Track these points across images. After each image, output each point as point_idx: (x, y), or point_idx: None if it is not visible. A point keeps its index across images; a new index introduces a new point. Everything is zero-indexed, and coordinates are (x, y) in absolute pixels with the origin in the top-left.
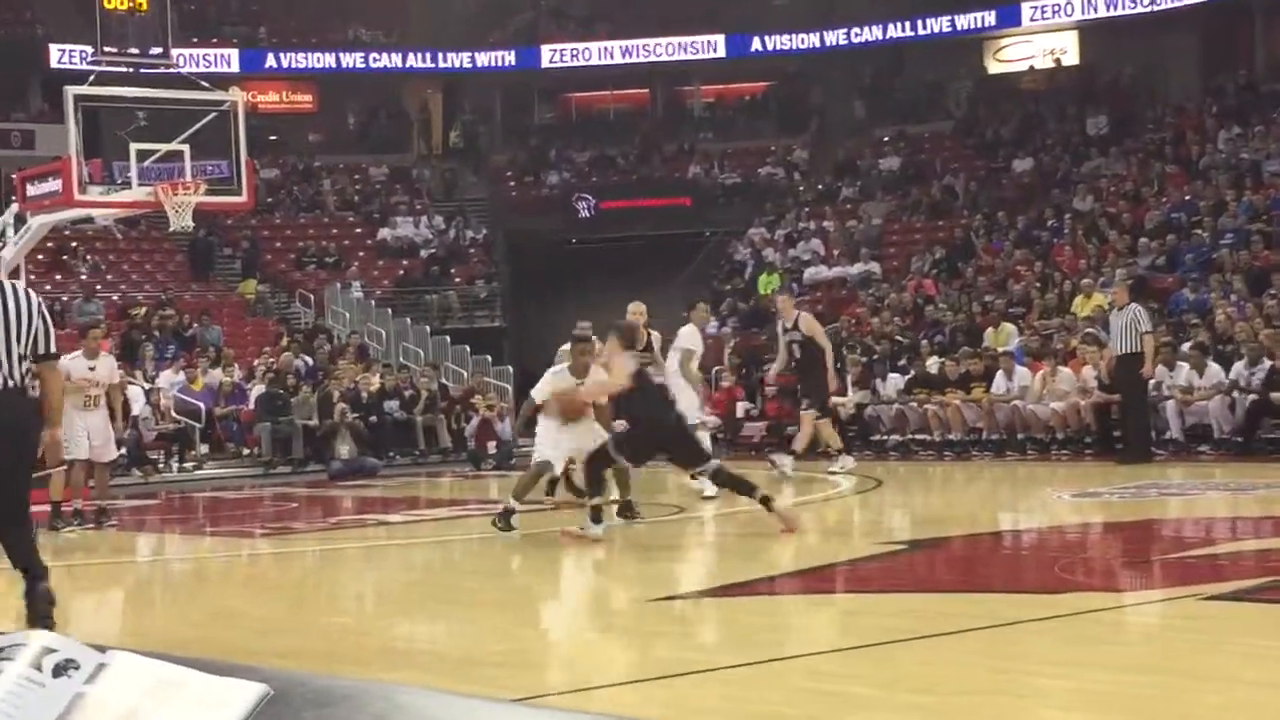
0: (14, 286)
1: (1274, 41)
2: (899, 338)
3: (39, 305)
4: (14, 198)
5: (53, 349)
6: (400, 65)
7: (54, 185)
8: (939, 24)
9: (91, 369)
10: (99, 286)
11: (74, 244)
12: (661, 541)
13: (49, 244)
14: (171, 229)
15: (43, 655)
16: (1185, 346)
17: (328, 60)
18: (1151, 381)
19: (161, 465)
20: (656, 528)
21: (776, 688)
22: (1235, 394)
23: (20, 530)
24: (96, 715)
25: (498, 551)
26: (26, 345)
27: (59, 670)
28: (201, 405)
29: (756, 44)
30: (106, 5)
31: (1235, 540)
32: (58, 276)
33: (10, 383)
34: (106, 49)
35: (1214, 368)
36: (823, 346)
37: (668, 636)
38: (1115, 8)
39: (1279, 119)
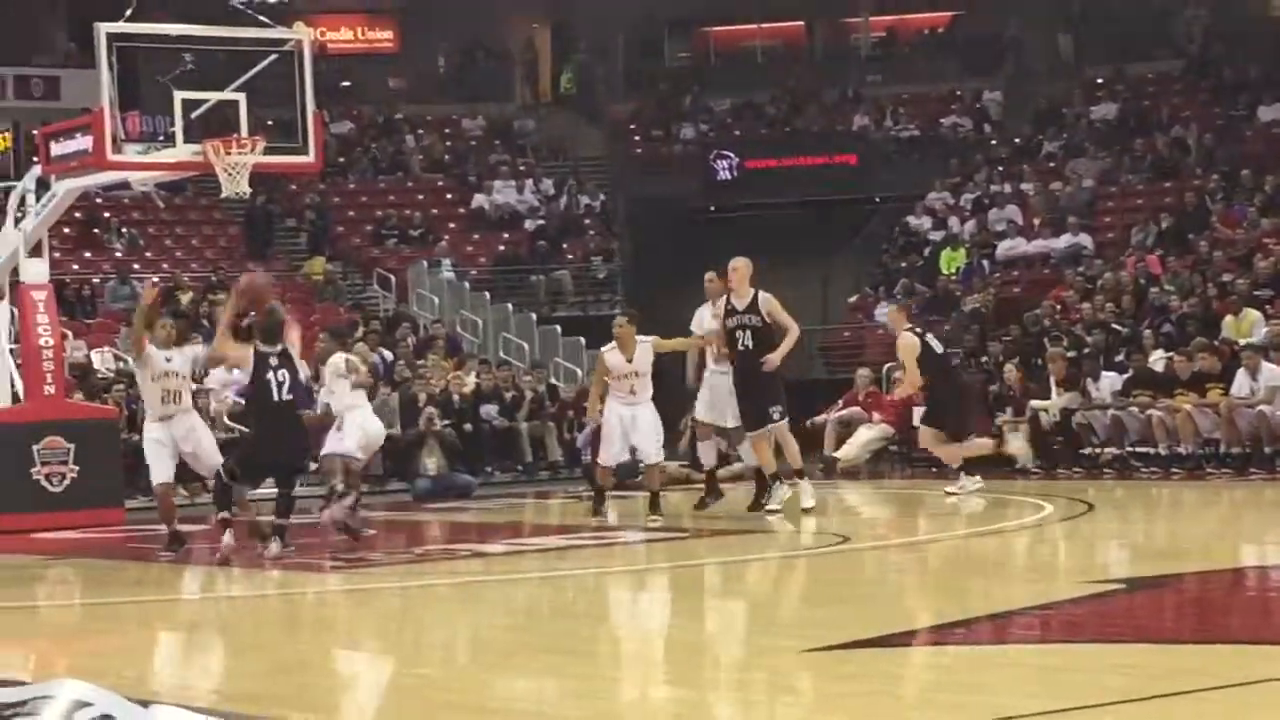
0: None
1: None
2: (1116, 327)
3: None
4: (36, 158)
5: None
6: None
7: (83, 143)
8: None
9: (169, 360)
10: (137, 265)
11: (107, 214)
12: (823, 576)
13: (77, 214)
14: (224, 195)
15: (74, 710)
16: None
17: None
18: None
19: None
20: (816, 559)
21: None
22: None
23: None
24: None
25: (621, 588)
26: None
27: None
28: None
29: None
30: None
31: None
32: (88, 254)
33: None
34: None
35: None
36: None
37: (827, 697)
38: None
39: None
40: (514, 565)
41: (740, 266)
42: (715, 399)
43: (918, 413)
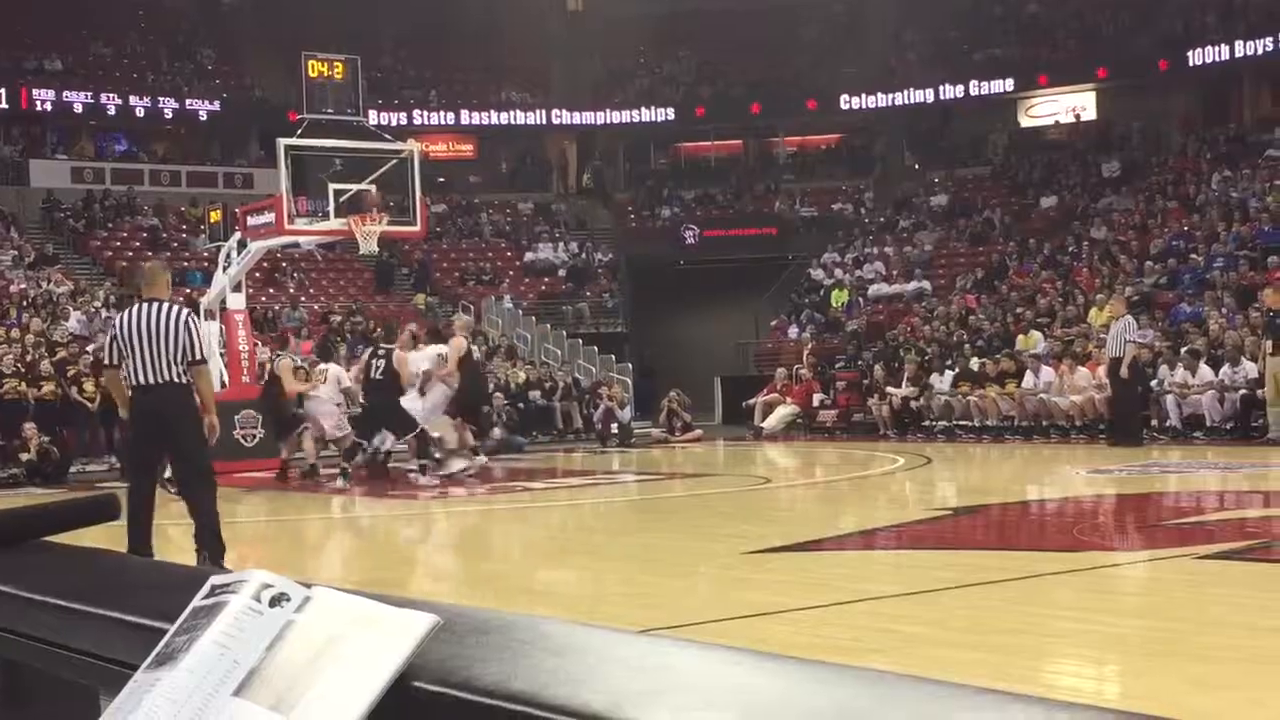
0: (166, 306)
1: (1259, 100)
2: (946, 342)
3: (186, 318)
4: (237, 227)
5: (198, 355)
6: (544, 122)
7: (268, 217)
8: (980, 87)
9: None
10: (302, 298)
11: (284, 264)
12: (752, 505)
13: (264, 264)
14: (361, 253)
15: (261, 589)
16: (1183, 351)
17: (485, 117)
18: (1154, 380)
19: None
20: (748, 494)
21: (842, 625)
22: (1224, 390)
23: (196, 497)
24: (304, 640)
25: (621, 513)
26: (175, 352)
27: (274, 601)
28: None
29: (831, 103)
30: (310, 74)
31: (1223, 510)
32: (271, 290)
33: (161, 379)
34: (310, 110)
35: (1205, 369)
36: None
37: (756, 583)
38: (1127, 74)
39: (1263, 164)
40: (550, 496)
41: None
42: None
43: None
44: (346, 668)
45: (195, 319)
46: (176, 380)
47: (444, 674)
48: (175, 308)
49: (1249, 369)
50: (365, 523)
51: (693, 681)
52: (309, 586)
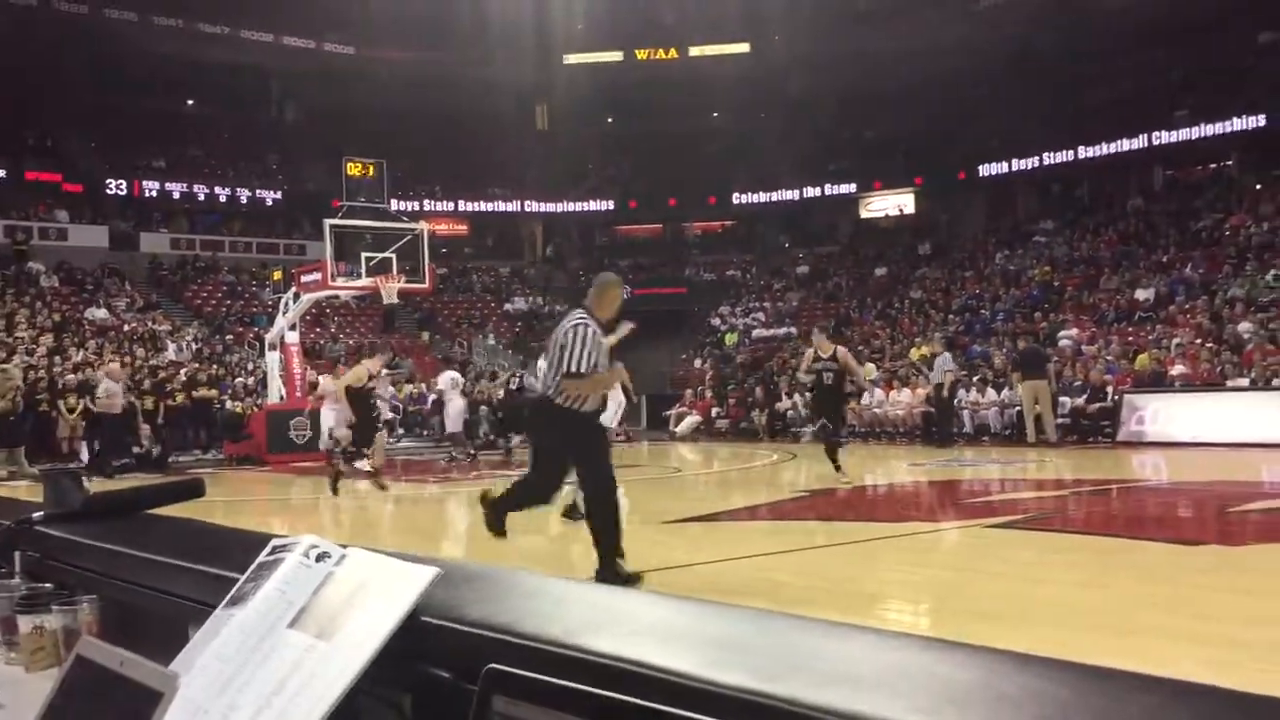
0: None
1: (1029, 201)
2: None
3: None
4: (294, 284)
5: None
6: (519, 209)
7: (316, 276)
8: (832, 189)
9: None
10: (340, 335)
11: (327, 310)
12: (669, 487)
13: (313, 310)
14: (385, 302)
15: (309, 548)
16: (975, 378)
17: (476, 206)
18: (956, 399)
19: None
20: (664, 479)
21: (734, 576)
22: (1003, 407)
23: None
24: (341, 586)
25: (570, 493)
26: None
27: (319, 558)
28: (400, 404)
29: (726, 198)
30: (349, 173)
31: (1004, 492)
32: (317, 329)
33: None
34: (348, 198)
35: (991, 391)
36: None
37: (673, 545)
38: (936, 181)
39: (1032, 247)
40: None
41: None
42: None
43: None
44: (372, 606)
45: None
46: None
47: (443, 611)
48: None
49: (1017, 392)
50: (385, 501)
51: (626, 618)
52: (345, 547)
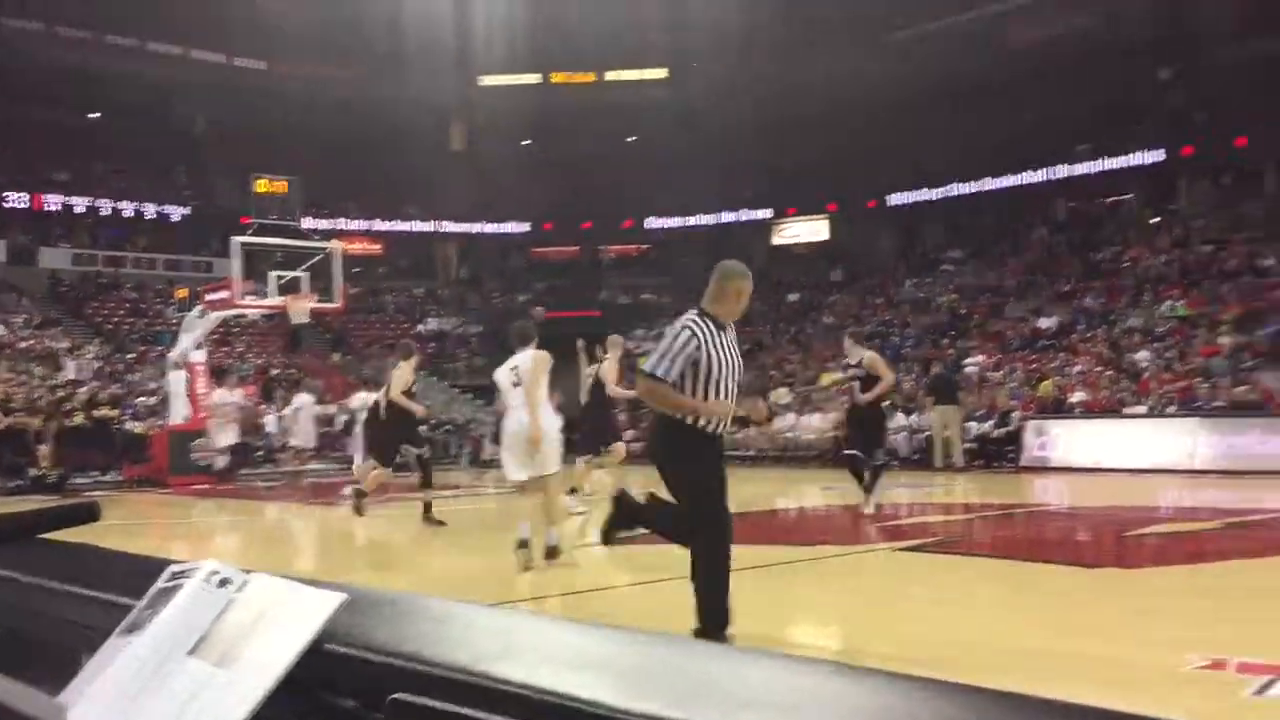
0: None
1: (938, 231)
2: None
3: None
4: (200, 302)
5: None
6: (434, 230)
7: (224, 294)
8: (747, 215)
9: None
10: (249, 355)
11: (234, 328)
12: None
13: (220, 329)
14: (294, 323)
15: (210, 574)
16: (885, 404)
17: (390, 225)
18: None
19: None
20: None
21: (649, 599)
22: (911, 432)
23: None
24: (242, 613)
25: (485, 516)
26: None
27: (221, 584)
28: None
29: (641, 222)
30: (259, 190)
31: (913, 516)
32: (224, 348)
33: None
34: (259, 216)
35: (900, 416)
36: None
37: (588, 568)
38: (848, 209)
39: (940, 276)
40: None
41: None
42: None
43: None
44: (274, 633)
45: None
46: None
47: (349, 638)
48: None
49: (929, 417)
50: (298, 523)
51: (536, 644)
52: (248, 572)
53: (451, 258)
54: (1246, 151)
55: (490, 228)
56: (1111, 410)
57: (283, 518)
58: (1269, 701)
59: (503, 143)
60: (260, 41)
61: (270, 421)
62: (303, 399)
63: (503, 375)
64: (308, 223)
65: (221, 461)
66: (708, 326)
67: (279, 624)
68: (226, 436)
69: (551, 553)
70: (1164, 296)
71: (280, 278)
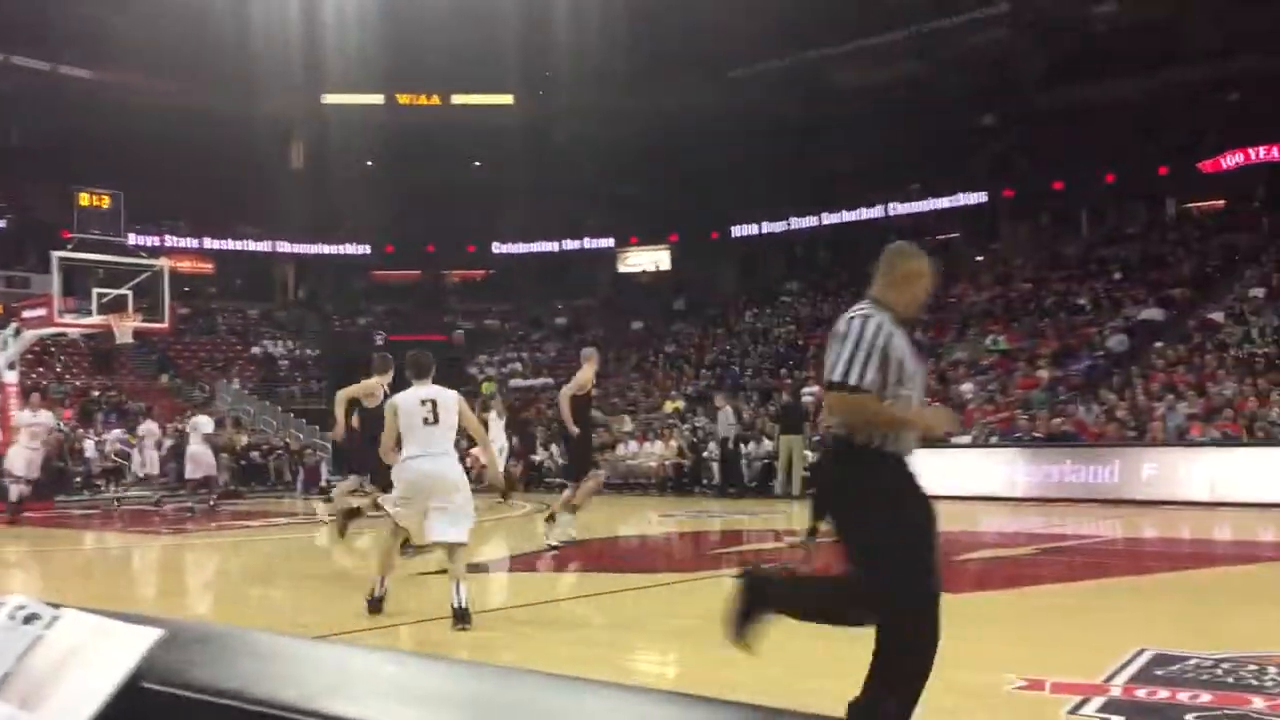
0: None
1: (777, 264)
2: (563, 422)
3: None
4: (14, 319)
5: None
6: (270, 250)
7: (41, 312)
8: (591, 243)
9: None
10: (67, 375)
11: (51, 348)
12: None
13: (36, 348)
14: (118, 342)
15: (16, 610)
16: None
17: (223, 244)
18: (706, 451)
19: (103, 489)
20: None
21: (485, 629)
22: (751, 460)
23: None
24: (51, 650)
25: (318, 544)
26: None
27: (28, 620)
28: (132, 452)
29: (486, 247)
30: (81, 203)
31: (751, 543)
32: (40, 369)
33: None
34: (80, 230)
35: (742, 446)
36: None
37: (424, 596)
38: (691, 239)
39: (779, 307)
40: (264, 533)
41: None
42: None
43: None
44: (85, 672)
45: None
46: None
47: (168, 676)
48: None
49: (767, 445)
50: (116, 553)
51: (366, 678)
52: (58, 607)
53: (289, 278)
54: (1063, 195)
55: (330, 249)
56: (939, 440)
57: (100, 548)
58: (1082, 719)
59: (345, 163)
60: (87, 49)
61: (89, 447)
62: (149, 426)
63: (412, 408)
64: (134, 239)
65: (16, 491)
66: (887, 318)
67: (91, 662)
68: (26, 461)
69: (466, 615)
70: (987, 331)
71: (103, 295)
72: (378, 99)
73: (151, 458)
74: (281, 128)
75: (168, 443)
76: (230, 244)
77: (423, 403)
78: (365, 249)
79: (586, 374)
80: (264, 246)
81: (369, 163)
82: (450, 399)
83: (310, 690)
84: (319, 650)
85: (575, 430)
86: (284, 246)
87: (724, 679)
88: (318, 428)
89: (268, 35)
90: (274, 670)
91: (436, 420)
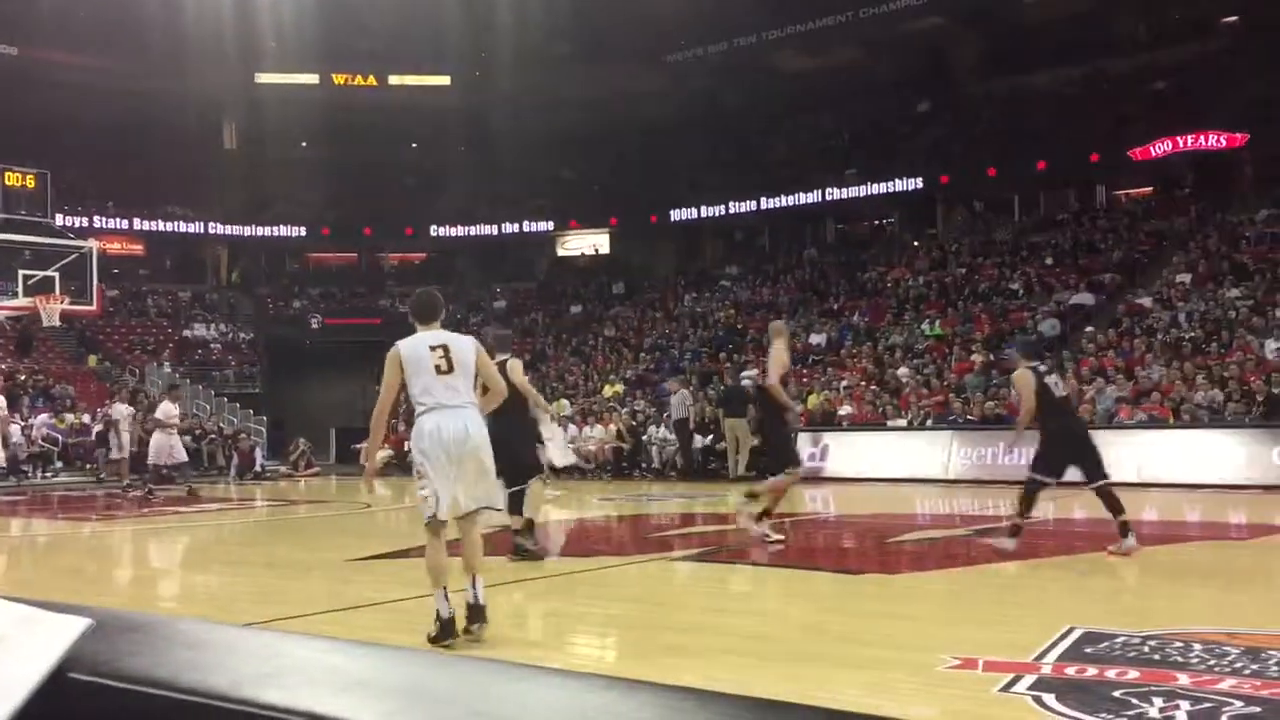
0: None
1: (716, 247)
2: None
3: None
4: None
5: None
6: (202, 231)
7: None
8: (530, 226)
9: None
10: None
11: None
12: (357, 525)
13: None
14: (45, 324)
15: None
16: (665, 415)
17: (154, 225)
18: (647, 435)
19: (30, 474)
20: (355, 516)
21: (422, 614)
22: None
23: None
24: None
25: (252, 530)
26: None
27: None
28: (60, 437)
29: (424, 230)
30: (7, 183)
31: (690, 526)
32: None
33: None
34: (6, 211)
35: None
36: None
37: (357, 582)
38: (630, 223)
39: (718, 291)
40: (196, 519)
41: None
42: None
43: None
44: (9, 662)
45: None
46: None
47: (96, 666)
48: None
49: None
50: (43, 540)
51: (299, 666)
52: None
53: (221, 260)
54: (996, 181)
55: (263, 230)
56: (876, 423)
57: (25, 535)
58: (1012, 698)
59: (279, 143)
60: (11, 25)
61: (15, 431)
62: (121, 408)
63: (422, 354)
64: (61, 219)
65: None
66: None
67: (15, 652)
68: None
69: (481, 613)
70: (924, 315)
71: (28, 277)
72: (312, 79)
73: (125, 440)
74: (214, 107)
75: (95, 428)
76: (161, 225)
77: (434, 348)
78: (300, 231)
79: (782, 352)
80: (196, 228)
81: (304, 143)
82: (466, 344)
83: (241, 678)
84: (249, 638)
85: (791, 410)
86: (216, 228)
87: (661, 664)
88: (251, 411)
89: (199, 12)
90: (205, 659)
91: (451, 369)
